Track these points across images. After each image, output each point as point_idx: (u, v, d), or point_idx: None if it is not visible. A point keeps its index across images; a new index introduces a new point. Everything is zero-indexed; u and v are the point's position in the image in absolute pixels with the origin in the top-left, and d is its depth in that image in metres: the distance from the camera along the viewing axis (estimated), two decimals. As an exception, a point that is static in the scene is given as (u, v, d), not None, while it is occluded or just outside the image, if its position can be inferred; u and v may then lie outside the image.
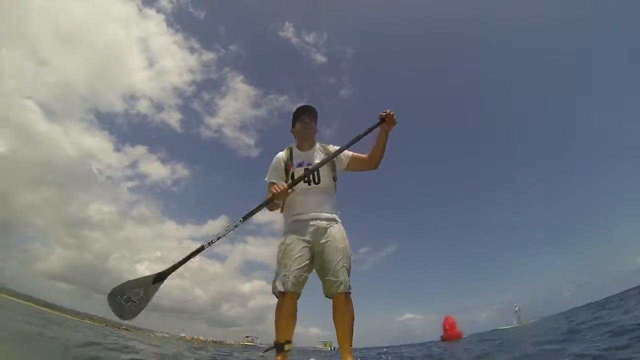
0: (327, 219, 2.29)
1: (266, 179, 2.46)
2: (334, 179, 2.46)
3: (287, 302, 2.06)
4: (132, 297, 1.96)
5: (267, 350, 2.19)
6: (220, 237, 2.11)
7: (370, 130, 2.37)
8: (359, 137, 2.37)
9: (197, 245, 2.12)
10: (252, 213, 2.19)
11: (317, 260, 2.22)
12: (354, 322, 2.11)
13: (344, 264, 2.16)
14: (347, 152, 2.47)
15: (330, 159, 2.37)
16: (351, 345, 2.09)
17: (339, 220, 2.37)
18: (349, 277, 2.15)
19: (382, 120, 2.33)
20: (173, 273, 2.08)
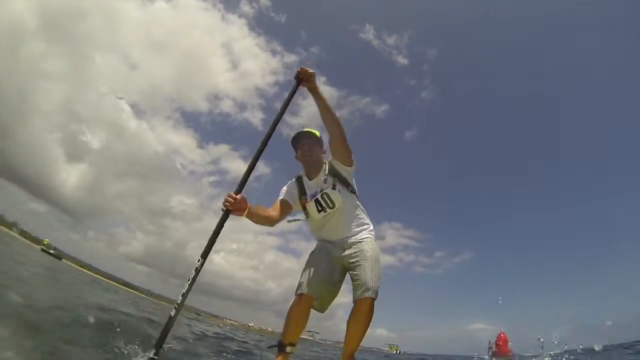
0: (355, 239, 2.23)
1: (280, 197, 2.36)
2: (352, 192, 2.32)
3: (301, 303, 2.05)
4: None
5: (271, 347, 2.19)
6: (188, 291, 1.84)
7: (292, 94, 2.21)
8: (283, 109, 2.23)
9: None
10: (211, 245, 1.95)
11: (349, 269, 2.18)
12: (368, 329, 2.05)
13: (374, 270, 2.08)
14: (329, 158, 2.33)
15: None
16: (357, 349, 2.10)
17: (368, 233, 2.29)
18: (378, 283, 2.05)
19: (299, 79, 2.14)
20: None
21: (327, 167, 2.30)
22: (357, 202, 2.35)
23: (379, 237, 2.34)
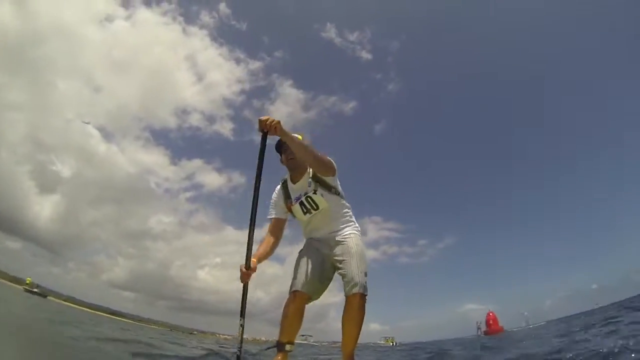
0: (340, 236, 2.31)
1: (269, 216, 2.47)
2: (336, 194, 2.39)
3: (295, 302, 2.10)
4: None
5: (268, 348, 2.22)
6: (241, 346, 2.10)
7: (263, 148, 2.23)
8: (259, 166, 2.23)
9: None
10: (244, 305, 2.17)
11: (336, 266, 2.23)
12: (362, 325, 2.09)
13: (359, 266, 2.14)
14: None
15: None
16: (354, 348, 2.10)
17: (353, 230, 2.38)
18: (365, 278, 2.12)
19: (264, 131, 2.15)
20: None
21: (310, 172, 2.38)
22: (343, 201, 2.44)
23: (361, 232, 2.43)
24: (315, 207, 2.32)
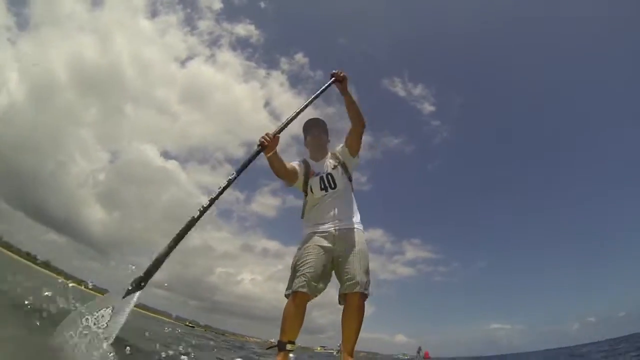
0: (346, 225, 2.29)
1: (291, 163, 2.52)
2: (350, 180, 2.49)
3: (296, 302, 2.06)
4: (92, 327, 1.50)
5: (269, 348, 2.18)
6: (215, 199, 2.01)
7: (325, 88, 2.49)
8: (316, 97, 2.50)
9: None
10: (245, 165, 2.16)
11: (335, 264, 2.21)
12: (362, 326, 2.09)
13: (362, 265, 2.13)
14: (341, 144, 2.55)
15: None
16: (353, 349, 2.06)
17: (358, 224, 2.36)
18: (366, 278, 2.11)
19: (334, 79, 2.42)
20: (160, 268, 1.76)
21: (331, 155, 2.55)
22: (352, 192, 2.49)
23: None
24: (333, 186, 2.38)
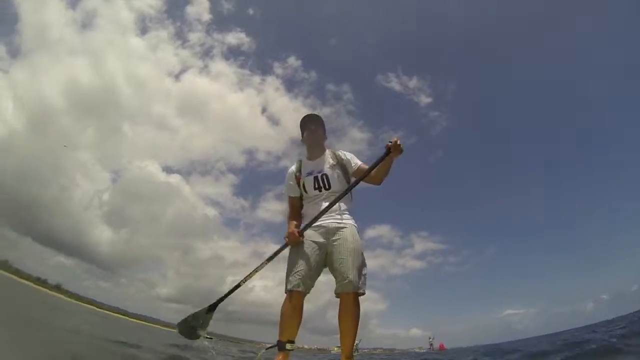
0: (340, 221, 2.29)
1: (284, 192, 2.58)
2: (347, 182, 2.46)
3: (292, 301, 2.06)
4: (193, 323, 2.45)
5: (269, 347, 2.20)
6: (250, 277, 2.39)
7: (380, 160, 2.28)
8: (371, 169, 2.31)
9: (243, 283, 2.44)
10: (275, 254, 2.34)
11: (329, 260, 2.21)
12: (359, 324, 2.08)
13: (355, 264, 2.12)
14: (354, 162, 2.48)
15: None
16: (352, 347, 2.06)
17: (352, 221, 2.35)
18: (359, 277, 2.11)
19: (389, 150, 2.22)
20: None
21: (331, 154, 2.53)
22: (349, 194, 2.42)
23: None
24: (327, 187, 2.38)
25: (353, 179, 2.45)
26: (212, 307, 2.43)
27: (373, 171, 2.31)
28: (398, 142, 2.17)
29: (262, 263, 2.35)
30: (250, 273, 2.38)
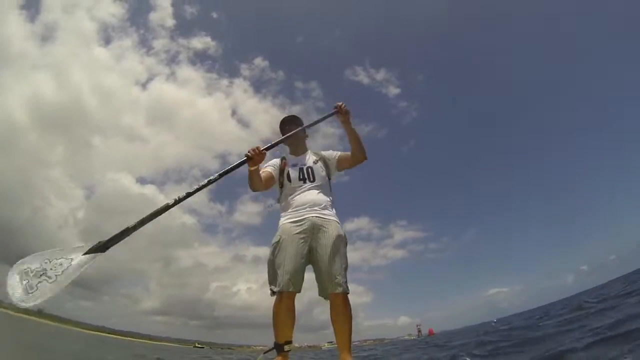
0: (323, 214, 2.27)
1: (263, 168, 2.48)
2: (329, 178, 2.50)
3: (284, 301, 2.03)
4: (48, 270, 1.50)
5: (267, 352, 2.16)
6: (192, 194, 1.97)
7: (326, 117, 2.47)
8: (315, 122, 2.50)
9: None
10: (228, 171, 2.12)
11: (313, 256, 2.17)
12: (352, 322, 2.09)
13: (342, 263, 2.13)
14: (334, 153, 2.55)
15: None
16: (350, 345, 2.08)
17: (335, 216, 2.34)
18: (345, 276, 2.12)
19: (337, 111, 2.37)
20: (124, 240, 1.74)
21: (312, 152, 2.57)
22: (330, 189, 2.48)
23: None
24: (312, 179, 2.39)
25: (336, 172, 2.54)
26: (103, 246, 1.65)
27: (353, 151, 2.43)
28: (342, 105, 2.34)
29: (209, 178, 2.04)
30: (191, 190, 1.97)
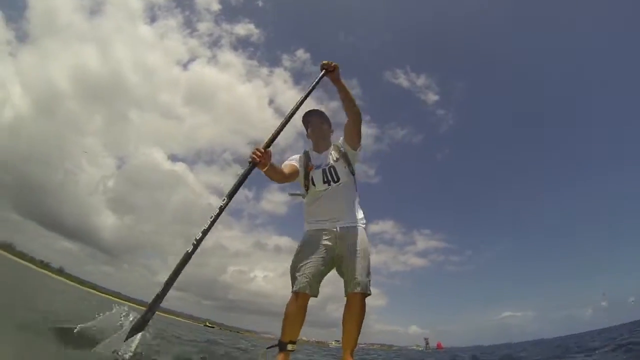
0: (348, 223, 2.28)
1: (287, 161, 2.49)
2: (352, 173, 2.44)
3: (298, 302, 2.07)
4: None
5: (270, 347, 2.21)
6: (207, 230, 1.97)
7: (317, 82, 2.37)
8: (309, 92, 2.39)
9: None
10: (236, 187, 2.09)
11: (337, 261, 2.22)
12: (362, 324, 2.10)
13: (364, 266, 2.14)
14: (340, 137, 2.49)
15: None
16: (355, 347, 2.08)
17: (361, 221, 2.34)
18: (368, 278, 2.13)
19: (324, 70, 2.30)
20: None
21: (334, 147, 2.49)
22: (355, 186, 2.44)
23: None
24: (336, 179, 2.35)
25: (355, 155, 2.44)
26: (138, 328, 1.67)
27: (346, 112, 2.34)
28: (330, 63, 2.25)
29: (220, 205, 2.03)
30: (206, 227, 1.96)
